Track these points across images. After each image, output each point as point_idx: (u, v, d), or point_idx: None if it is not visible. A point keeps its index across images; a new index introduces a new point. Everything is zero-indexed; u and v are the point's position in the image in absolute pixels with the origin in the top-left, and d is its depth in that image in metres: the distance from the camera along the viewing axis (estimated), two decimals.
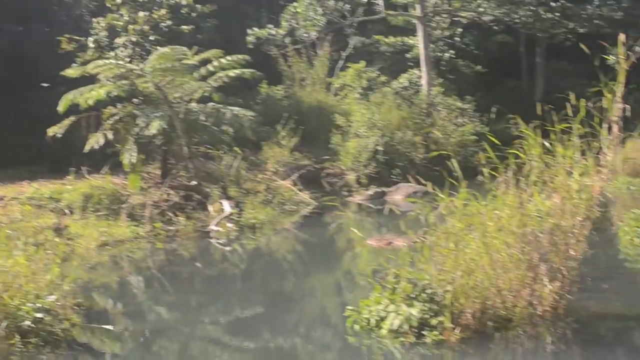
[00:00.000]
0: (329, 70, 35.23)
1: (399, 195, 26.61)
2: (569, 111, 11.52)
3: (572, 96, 11.66)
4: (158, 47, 26.60)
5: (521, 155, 11.56)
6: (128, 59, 28.80)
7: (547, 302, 11.26)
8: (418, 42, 35.43)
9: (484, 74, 39.29)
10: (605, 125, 11.61)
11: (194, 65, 25.07)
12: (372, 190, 27.79)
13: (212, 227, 21.30)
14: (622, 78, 11.73)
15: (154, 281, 17.26)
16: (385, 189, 27.72)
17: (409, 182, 23.95)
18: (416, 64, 36.01)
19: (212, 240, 20.61)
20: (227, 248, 20.10)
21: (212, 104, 25.19)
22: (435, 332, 10.57)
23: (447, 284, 10.83)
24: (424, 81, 34.50)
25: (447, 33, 39.03)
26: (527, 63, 41.61)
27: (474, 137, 30.38)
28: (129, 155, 22.82)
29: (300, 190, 25.94)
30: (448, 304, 10.67)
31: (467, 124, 32.31)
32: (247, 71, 25.83)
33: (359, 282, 12.72)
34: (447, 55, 38.70)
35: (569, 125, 11.48)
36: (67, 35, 31.28)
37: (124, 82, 24.10)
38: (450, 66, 38.84)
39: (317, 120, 31.59)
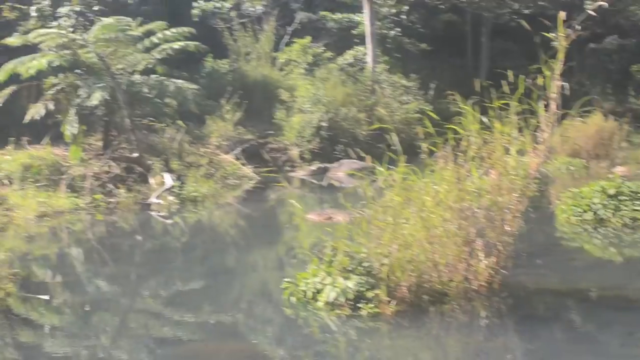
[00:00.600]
0: (274, 45, 35.14)
1: (341, 171, 26.70)
2: (506, 88, 11.64)
3: (510, 74, 11.77)
4: (102, 18, 26.34)
5: (460, 131, 11.65)
6: (71, 29, 28.50)
7: (482, 277, 11.40)
8: (364, 19, 35.43)
9: (430, 52, 39.41)
10: (543, 103, 11.72)
11: (138, 36, 24.87)
12: (315, 166, 27.86)
13: (153, 199, 21.20)
14: (561, 56, 11.84)
15: (94, 253, 17.14)
16: (328, 165, 27.81)
17: (352, 158, 24.00)
18: (362, 40, 36.01)
19: (153, 213, 20.52)
20: (168, 221, 20.03)
21: (156, 76, 25.04)
22: (371, 305, 10.64)
23: (383, 257, 10.90)
24: (369, 58, 34.52)
25: (393, 11, 39.09)
26: (473, 43, 41.84)
27: (418, 114, 30.49)
28: (70, 126, 22.64)
29: (243, 164, 25.92)
30: (384, 277, 10.75)
31: (411, 102, 32.46)
32: (192, 44, 25.69)
33: (299, 255, 12.75)
34: (393, 33, 38.79)
35: (506, 102, 11.59)
36: (9, 3, 30.87)
37: (66, 52, 23.83)
38: (396, 44, 38.92)
39: (261, 95, 31.56)
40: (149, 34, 25.09)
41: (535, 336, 10.43)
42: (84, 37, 24.38)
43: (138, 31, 24.89)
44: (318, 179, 26.54)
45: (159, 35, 25.09)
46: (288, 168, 28.36)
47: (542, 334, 10.49)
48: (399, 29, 39.02)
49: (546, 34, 12.55)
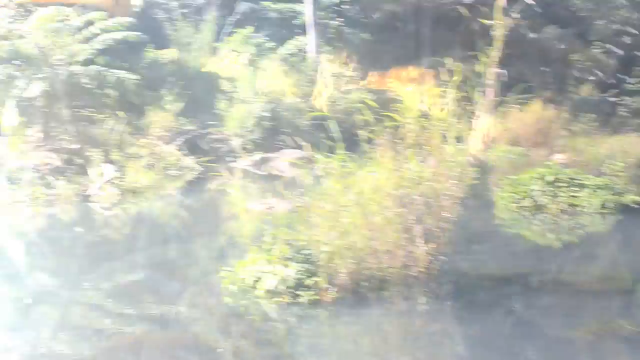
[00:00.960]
0: (216, 35, 35.03)
1: (283, 161, 26.69)
2: (445, 76, 11.74)
3: (449, 62, 11.88)
4: (41, 8, 26.06)
5: (398, 118, 11.72)
6: (10, 19, 28.17)
7: (421, 263, 11.49)
8: (306, 8, 35.44)
9: (372, 42, 39.51)
10: (480, 91, 11.86)
11: (77, 26, 24.66)
12: (257, 156, 27.80)
13: (94, 191, 21.04)
14: (498, 44, 11.99)
15: (33, 246, 16.96)
16: (270, 155, 27.78)
17: (294, 148, 24.01)
18: (304, 30, 36.04)
19: (93, 205, 20.35)
20: (109, 213, 19.89)
21: (96, 66, 24.83)
22: (311, 292, 10.68)
23: (323, 245, 10.94)
24: (311, 48, 34.55)
25: (335, 0, 39.14)
26: (415, 32, 41.97)
27: (360, 103, 30.52)
28: (9, 118, 22.39)
29: (184, 155, 25.80)
30: (324, 264, 10.80)
31: (353, 92, 32.51)
32: (132, 34, 25.54)
33: (240, 245, 12.77)
34: (335, 23, 38.83)
35: (444, 90, 11.70)
36: None
37: (4, 42, 23.56)
38: (338, 34, 38.97)
39: (203, 85, 31.41)
40: (89, 24, 24.89)
41: (474, 321, 10.55)
42: (22, 27, 24.11)
43: (78, 21, 24.68)
44: (260, 169, 26.50)
45: (99, 25, 24.90)
46: (230, 158, 28.24)
47: (481, 319, 10.61)
48: (341, 19, 39.07)
49: (484, 22, 12.69)
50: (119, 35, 25.07)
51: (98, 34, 24.79)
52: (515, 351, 9.74)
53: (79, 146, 23.30)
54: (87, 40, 24.72)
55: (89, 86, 24.28)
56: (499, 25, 11.86)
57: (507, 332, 10.28)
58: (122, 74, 24.89)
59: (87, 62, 24.99)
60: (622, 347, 10.03)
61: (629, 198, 17.21)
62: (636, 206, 16.96)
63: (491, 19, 12.57)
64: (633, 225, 16.25)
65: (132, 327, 11.06)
